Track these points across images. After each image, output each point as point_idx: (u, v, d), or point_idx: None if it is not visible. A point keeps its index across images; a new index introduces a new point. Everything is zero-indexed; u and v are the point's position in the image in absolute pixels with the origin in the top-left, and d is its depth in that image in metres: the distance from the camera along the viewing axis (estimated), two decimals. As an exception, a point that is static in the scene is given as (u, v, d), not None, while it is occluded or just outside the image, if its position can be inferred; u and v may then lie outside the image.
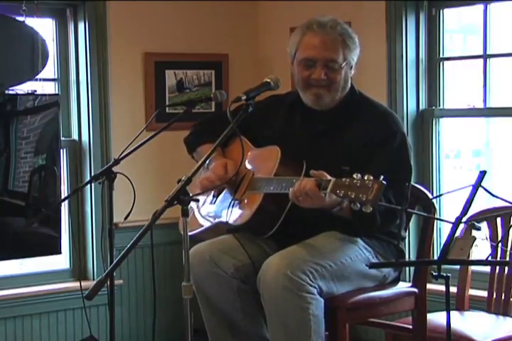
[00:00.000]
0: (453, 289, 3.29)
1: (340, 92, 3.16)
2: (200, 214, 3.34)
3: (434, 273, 2.66)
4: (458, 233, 2.70)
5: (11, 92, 4.05)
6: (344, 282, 3.08)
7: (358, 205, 2.62)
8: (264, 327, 3.19)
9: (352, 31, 3.17)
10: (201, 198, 3.32)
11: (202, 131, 3.41)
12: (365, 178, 2.62)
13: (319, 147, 3.14)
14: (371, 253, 3.15)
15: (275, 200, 2.99)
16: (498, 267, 3.57)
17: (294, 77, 3.19)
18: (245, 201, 3.12)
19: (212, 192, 3.28)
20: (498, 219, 3.56)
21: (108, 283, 2.78)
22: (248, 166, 3.18)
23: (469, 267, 3.62)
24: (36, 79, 4.18)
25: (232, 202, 3.17)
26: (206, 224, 3.29)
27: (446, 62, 4.28)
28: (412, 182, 3.56)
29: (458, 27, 4.48)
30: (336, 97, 3.16)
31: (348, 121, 3.16)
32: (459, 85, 4.39)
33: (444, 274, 2.65)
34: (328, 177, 2.81)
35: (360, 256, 3.11)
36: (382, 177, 2.61)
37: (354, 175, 2.65)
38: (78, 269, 4.42)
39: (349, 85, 3.20)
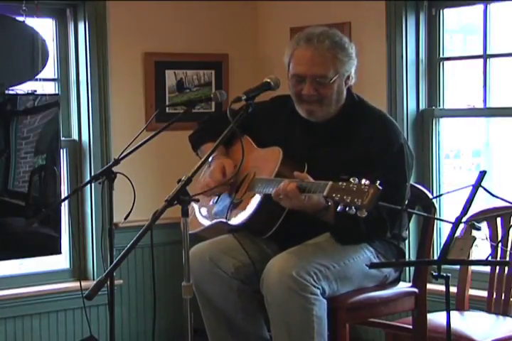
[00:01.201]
0: (453, 289, 3.29)
1: (335, 105, 3.14)
2: (201, 214, 3.34)
3: (434, 273, 2.67)
4: (458, 233, 2.70)
5: (11, 92, 4.05)
6: (346, 282, 3.08)
7: (354, 210, 2.62)
8: (264, 327, 3.19)
9: (346, 42, 3.11)
10: (204, 198, 3.32)
11: (206, 130, 3.41)
12: (362, 183, 2.63)
13: (318, 157, 3.11)
14: (373, 254, 3.15)
15: (275, 201, 2.99)
16: (498, 267, 3.57)
17: (289, 89, 3.18)
18: (245, 201, 3.13)
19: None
20: (498, 219, 3.56)
21: (108, 283, 2.78)
22: (250, 166, 3.18)
23: (469, 267, 3.62)
24: (36, 79, 4.18)
25: (233, 202, 3.17)
26: (206, 223, 3.29)
27: (446, 62, 4.28)
28: (412, 182, 3.57)
29: (458, 27, 4.48)
30: (331, 110, 3.14)
31: (346, 132, 3.14)
32: (459, 85, 4.39)
33: (444, 274, 2.65)
34: (311, 179, 2.84)
35: (362, 257, 3.12)
36: (378, 182, 2.61)
37: (351, 179, 2.65)
38: (78, 269, 4.42)
39: (344, 96, 3.16)
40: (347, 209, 2.64)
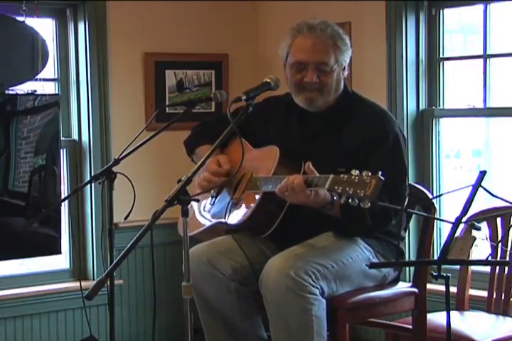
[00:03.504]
0: (453, 289, 3.29)
1: (333, 94, 3.16)
2: (201, 215, 3.34)
3: (434, 273, 2.66)
4: (458, 233, 2.70)
5: (11, 92, 4.05)
6: (345, 282, 3.08)
7: (357, 201, 2.62)
8: (262, 328, 3.19)
9: (343, 32, 3.16)
10: (201, 198, 3.32)
11: (201, 133, 3.41)
12: (363, 174, 2.62)
13: (315, 149, 3.13)
14: (371, 253, 3.15)
15: (274, 199, 2.98)
16: (498, 267, 3.57)
17: (287, 81, 3.19)
18: (244, 200, 3.12)
19: (212, 192, 3.28)
20: (498, 219, 3.56)
21: (108, 283, 2.78)
22: (247, 166, 3.18)
23: (469, 267, 3.62)
24: (36, 79, 4.18)
25: (231, 202, 3.17)
26: (207, 224, 3.29)
27: (446, 62, 4.28)
28: (412, 182, 3.58)
29: (458, 27, 4.48)
30: (329, 99, 3.16)
31: (342, 123, 3.16)
32: (459, 85, 4.39)
33: (444, 274, 2.65)
34: (316, 174, 2.81)
35: (361, 256, 3.11)
36: (380, 172, 2.61)
37: (352, 171, 2.65)
38: (78, 269, 4.42)
39: (342, 86, 3.19)
40: (350, 200, 2.64)
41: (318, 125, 3.19)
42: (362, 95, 3.28)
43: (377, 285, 3.22)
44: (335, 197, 2.83)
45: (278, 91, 3.08)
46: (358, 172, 2.64)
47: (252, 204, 3.06)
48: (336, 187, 2.67)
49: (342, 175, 2.67)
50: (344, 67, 3.16)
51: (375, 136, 3.08)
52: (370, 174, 2.61)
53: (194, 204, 3.31)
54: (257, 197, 3.05)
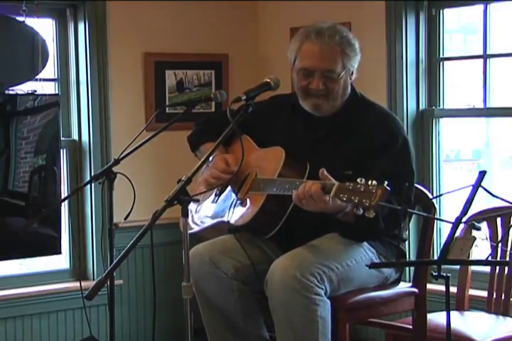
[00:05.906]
0: (453, 289, 3.29)
1: (340, 100, 3.14)
2: (197, 216, 3.33)
3: (434, 273, 2.66)
4: (458, 233, 2.70)
5: (11, 92, 4.05)
6: (348, 284, 3.08)
7: (361, 210, 2.62)
8: (263, 327, 3.19)
9: (352, 37, 3.12)
10: (203, 197, 3.32)
11: (205, 130, 3.40)
12: (369, 183, 2.61)
13: (321, 152, 3.13)
14: (374, 255, 3.15)
15: (277, 201, 2.98)
16: (498, 267, 3.57)
17: (294, 84, 3.18)
18: (248, 201, 3.12)
19: (215, 190, 3.28)
20: (498, 219, 3.56)
21: (108, 283, 2.78)
22: (251, 166, 3.17)
23: (469, 267, 3.62)
24: (36, 79, 4.18)
25: (235, 202, 3.17)
26: (196, 227, 3.28)
27: (446, 62, 4.28)
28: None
29: (458, 27, 4.49)
30: (336, 105, 3.15)
31: (349, 126, 3.15)
32: (459, 85, 4.39)
33: (444, 274, 2.65)
34: (333, 180, 2.79)
35: (365, 258, 3.11)
36: (386, 182, 2.60)
37: (358, 180, 2.63)
38: (78, 269, 4.42)
39: (349, 91, 3.17)
40: (354, 209, 2.63)
41: (325, 128, 3.17)
42: (370, 98, 3.27)
43: (377, 286, 3.22)
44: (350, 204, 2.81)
45: (278, 91, 3.07)
46: (363, 180, 2.63)
47: (255, 206, 3.06)
48: (341, 195, 2.67)
49: (348, 183, 2.66)
50: (352, 72, 3.13)
51: (383, 139, 3.08)
52: (375, 183, 2.60)
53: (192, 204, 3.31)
54: (261, 199, 3.04)
